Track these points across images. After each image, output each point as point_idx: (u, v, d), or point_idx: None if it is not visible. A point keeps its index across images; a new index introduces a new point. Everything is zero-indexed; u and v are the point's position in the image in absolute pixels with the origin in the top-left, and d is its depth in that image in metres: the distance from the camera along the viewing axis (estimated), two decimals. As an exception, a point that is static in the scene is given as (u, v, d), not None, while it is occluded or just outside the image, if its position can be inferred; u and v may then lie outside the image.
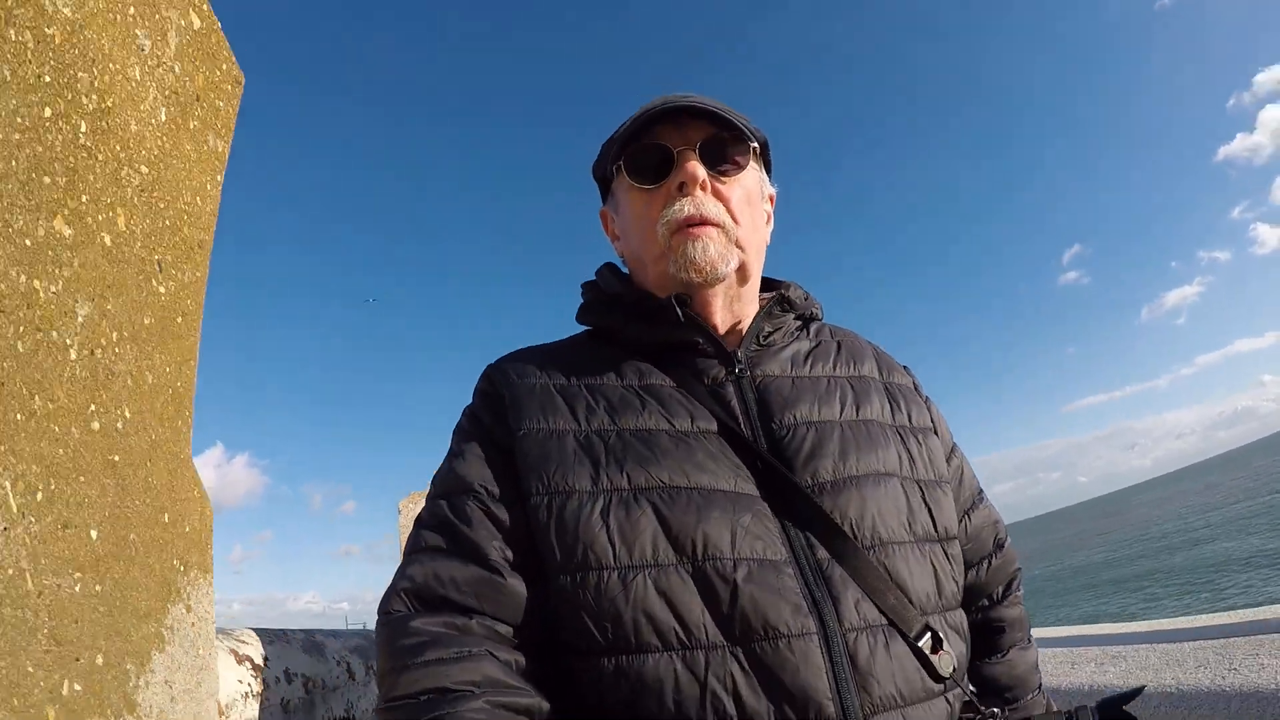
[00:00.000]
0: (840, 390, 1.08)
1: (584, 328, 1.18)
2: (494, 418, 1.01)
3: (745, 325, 1.12)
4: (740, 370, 1.05)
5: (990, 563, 1.17)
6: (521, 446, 0.96)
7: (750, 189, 1.12)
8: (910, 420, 1.12)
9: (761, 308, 1.14)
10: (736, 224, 1.07)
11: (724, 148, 1.09)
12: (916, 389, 1.21)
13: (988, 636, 1.15)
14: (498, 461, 0.97)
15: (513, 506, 0.93)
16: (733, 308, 1.10)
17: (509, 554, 0.91)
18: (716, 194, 1.07)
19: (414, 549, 0.94)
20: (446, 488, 0.97)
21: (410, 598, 0.89)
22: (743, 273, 1.09)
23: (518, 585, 0.89)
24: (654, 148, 1.08)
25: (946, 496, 1.07)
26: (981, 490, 1.22)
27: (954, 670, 0.92)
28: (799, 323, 1.17)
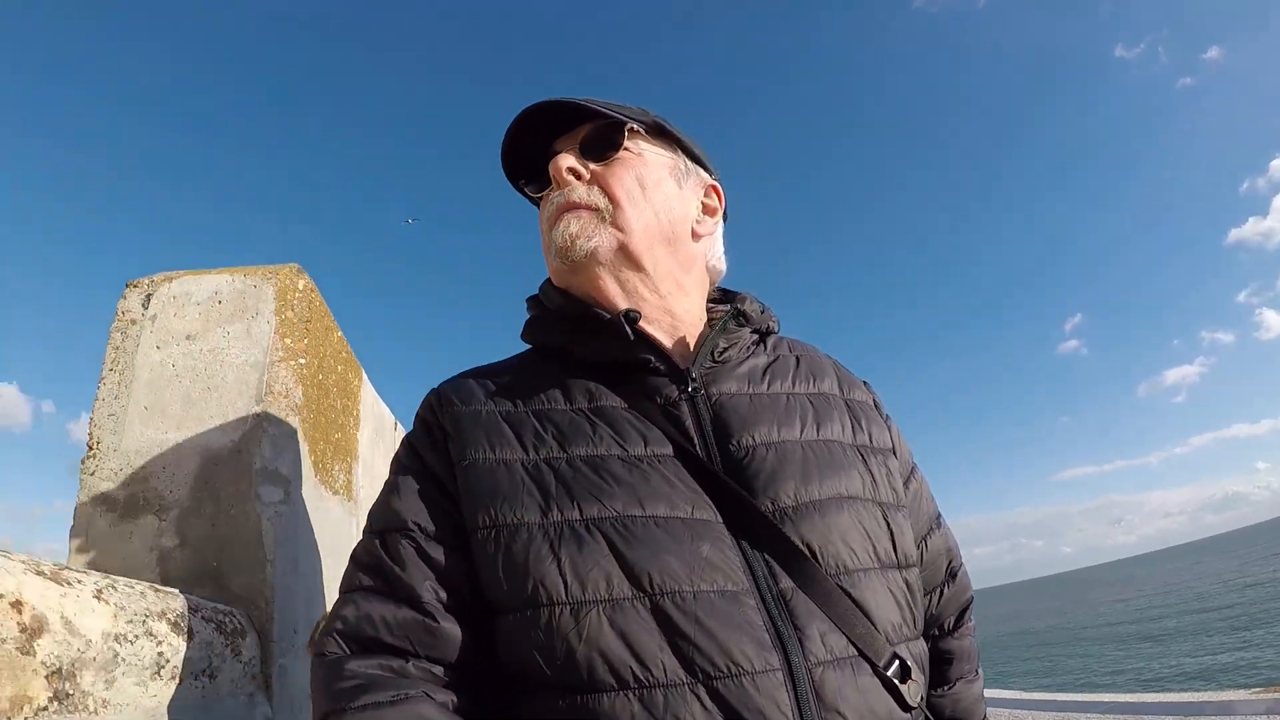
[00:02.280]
0: (800, 408, 1.03)
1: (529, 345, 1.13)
2: (434, 449, 0.97)
3: (692, 340, 1.06)
4: (695, 389, 0.99)
5: (943, 592, 1.15)
6: (465, 479, 0.92)
7: (643, 173, 1.07)
8: (871, 440, 1.07)
9: (715, 322, 1.09)
10: (616, 205, 1.03)
11: (598, 135, 1.07)
12: (877, 406, 1.15)
13: (936, 667, 1.13)
14: (434, 496, 0.93)
15: (449, 544, 0.90)
16: (644, 296, 1.05)
17: (442, 595, 0.88)
18: (596, 179, 1.05)
19: (348, 588, 0.92)
20: (382, 524, 0.94)
21: (344, 639, 0.87)
22: (628, 255, 1.03)
23: (451, 628, 0.86)
24: (535, 154, 1.10)
25: (907, 521, 1.03)
26: (940, 515, 1.18)
27: (921, 699, 0.90)
28: (755, 336, 1.11)
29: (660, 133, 1.12)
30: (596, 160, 1.06)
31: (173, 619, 1.05)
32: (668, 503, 0.88)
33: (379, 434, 1.85)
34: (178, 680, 1.03)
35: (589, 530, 0.85)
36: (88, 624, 0.91)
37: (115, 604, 0.97)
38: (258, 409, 1.30)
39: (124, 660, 0.95)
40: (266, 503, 1.26)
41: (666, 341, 1.05)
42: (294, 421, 1.35)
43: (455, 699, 0.85)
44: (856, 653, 0.85)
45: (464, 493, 0.91)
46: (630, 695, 0.78)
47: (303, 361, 1.38)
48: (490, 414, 0.98)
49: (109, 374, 1.33)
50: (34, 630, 0.83)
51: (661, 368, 0.99)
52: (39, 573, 0.89)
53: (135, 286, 1.40)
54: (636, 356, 0.99)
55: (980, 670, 1.18)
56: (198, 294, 1.39)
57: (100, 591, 0.96)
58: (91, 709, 0.89)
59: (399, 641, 0.85)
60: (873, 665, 0.85)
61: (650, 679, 0.78)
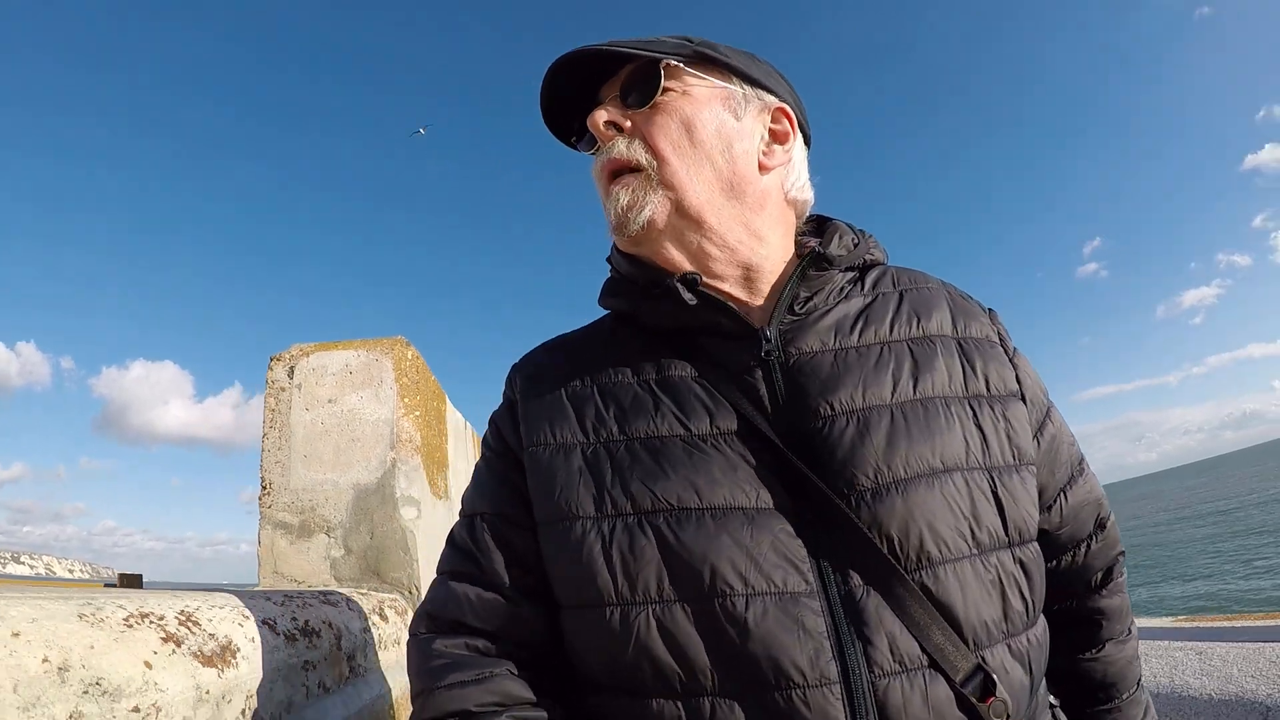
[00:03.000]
0: (896, 360, 0.91)
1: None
2: (510, 429, 0.96)
3: (767, 287, 0.97)
4: (769, 351, 0.90)
5: (1089, 546, 1.03)
6: (531, 464, 0.90)
7: (689, 113, 0.94)
8: (988, 385, 0.93)
9: (793, 267, 0.97)
10: (660, 158, 0.92)
11: (634, 79, 0.96)
12: (1002, 340, 1.00)
13: (1082, 628, 1.05)
14: (513, 480, 0.92)
15: (525, 530, 0.90)
16: (711, 252, 0.95)
17: (523, 579, 0.89)
18: (636, 130, 0.94)
19: (440, 569, 0.95)
20: (469, 508, 0.96)
21: (433, 620, 0.91)
22: (684, 212, 0.92)
23: (531, 611, 0.88)
24: (584, 104, 0.99)
25: (1028, 482, 0.90)
26: (1083, 461, 1.03)
27: (1023, 706, 0.82)
28: (851, 275, 0.99)
29: (707, 61, 0.98)
30: (637, 107, 0.95)
31: (387, 608, 1.59)
32: (728, 489, 0.82)
33: (458, 439, 2.36)
34: (385, 648, 1.57)
35: (642, 526, 0.81)
36: (355, 624, 1.45)
37: (370, 606, 1.50)
38: (392, 454, 1.82)
39: (370, 640, 1.49)
40: (407, 519, 1.79)
41: (744, 297, 0.96)
42: (417, 459, 1.87)
43: (538, 678, 0.87)
44: (929, 663, 0.76)
45: (530, 479, 0.90)
46: (677, 703, 0.76)
47: (417, 414, 1.89)
48: (556, 392, 0.95)
49: (270, 430, 1.81)
50: (323, 629, 1.36)
51: (732, 330, 0.92)
52: (332, 604, 1.42)
53: (279, 360, 1.86)
54: (702, 320, 0.92)
55: (1134, 628, 1.09)
56: (331, 366, 1.86)
57: (350, 600, 1.49)
58: (362, 672, 1.43)
59: (482, 623, 0.88)
60: (948, 678, 0.77)
61: (697, 687, 0.76)
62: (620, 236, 0.95)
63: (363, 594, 1.59)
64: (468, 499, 0.98)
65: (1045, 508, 0.97)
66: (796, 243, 1.03)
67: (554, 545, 0.85)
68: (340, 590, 1.54)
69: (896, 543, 0.80)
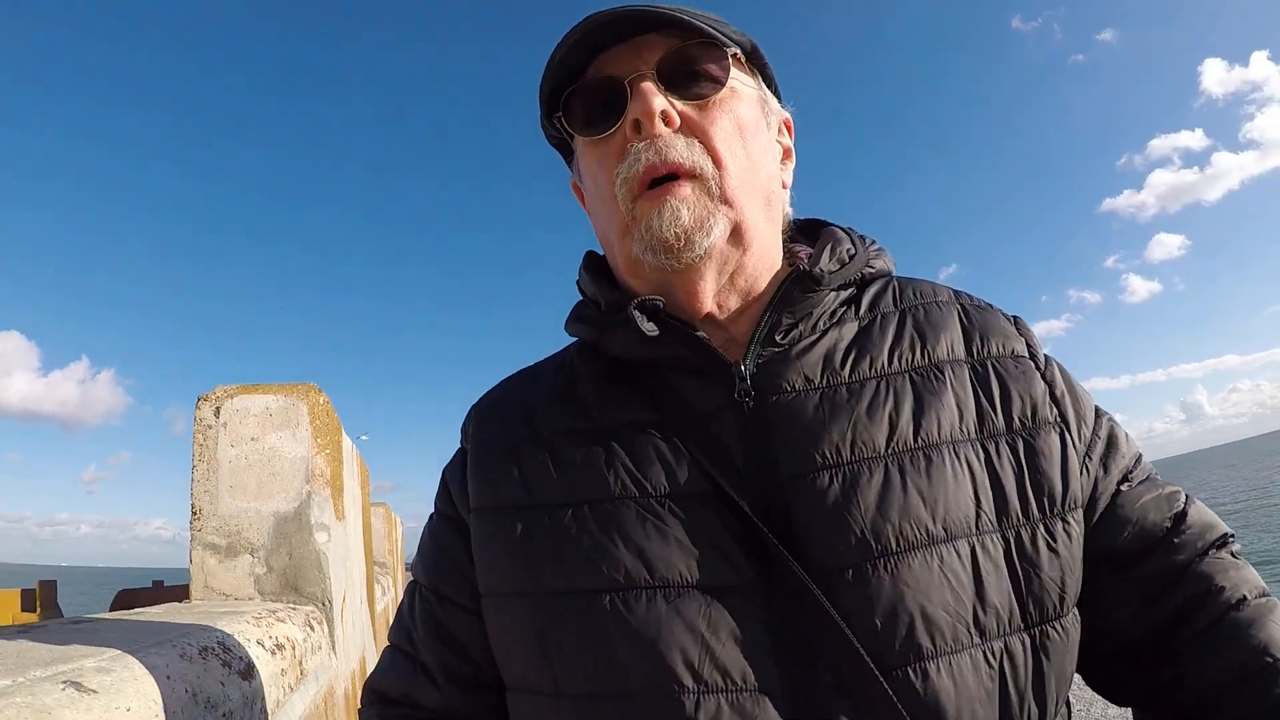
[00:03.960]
0: (894, 397, 0.76)
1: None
2: (458, 488, 0.87)
3: (751, 312, 0.82)
4: (742, 392, 0.77)
5: (1170, 543, 0.76)
6: (475, 528, 0.82)
7: (743, 115, 0.81)
8: (1010, 417, 0.77)
9: (777, 286, 0.82)
10: (721, 167, 0.77)
11: (691, 61, 0.79)
12: (1031, 352, 0.83)
13: (1201, 614, 0.73)
14: (452, 552, 0.85)
15: (461, 610, 0.83)
16: (736, 284, 0.81)
17: (447, 660, 0.83)
18: (690, 128, 0.78)
19: (389, 636, 0.92)
20: (415, 572, 0.91)
21: (370, 693, 0.91)
22: (739, 236, 0.79)
23: (454, 697, 0.83)
24: (598, 83, 0.81)
25: (1062, 536, 0.72)
26: (1140, 457, 0.82)
27: None
28: (848, 291, 0.85)
29: (754, 58, 0.87)
30: (694, 99, 0.79)
31: (311, 620, 1.95)
32: (685, 564, 0.71)
33: (349, 462, 2.65)
34: (316, 652, 1.94)
35: (581, 606, 0.72)
36: (298, 635, 1.81)
37: (301, 621, 1.86)
38: (308, 487, 2.15)
39: (309, 647, 1.86)
40: (320, 542, 2.14)
41: (726, 324, 0.82)
42: (327, 491, 2.20)
43: None
44: None
45: (473, 547, 0.82)
46: None
47: (327, 452, 2.22)
48: (506, 441, 0.85)
49: (199, 463, 2.07)
50: (286, 644, 1.72)
51: (700, 365, 0.80)
52: (283, 621, 1.77)
53: (206, 400, 2.12)
54: (667, 353, 0.80)
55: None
56: (254, 408, 2.14)
57: (292, 614, 1.85)
58: (308, 673, 1.80)
59: (406, 697, 0.86)
60: None
61: None
62: (664, 259, 0.77)
63: (293, 609, 1.93)
64: (415, 562, 0.92)
65: (1102, 522, 0.76)
66: (786, 250, 0.89)
67: (492, 620, 0.79)
68: (280, 605, 1.87)
69: (880, 632, 0.66)
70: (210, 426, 2.09)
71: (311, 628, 1.93)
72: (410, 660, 0.87)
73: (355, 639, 2.54)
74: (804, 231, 0.95)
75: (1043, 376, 0.81)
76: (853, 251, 0.86)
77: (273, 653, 1.55)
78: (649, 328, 0.78)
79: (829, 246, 0.84)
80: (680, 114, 0.79)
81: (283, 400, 2.17)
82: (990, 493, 0.73)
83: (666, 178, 0.77)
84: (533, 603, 0.75)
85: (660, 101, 0.77)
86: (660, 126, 0.77)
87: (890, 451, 0.73)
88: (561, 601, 0.73)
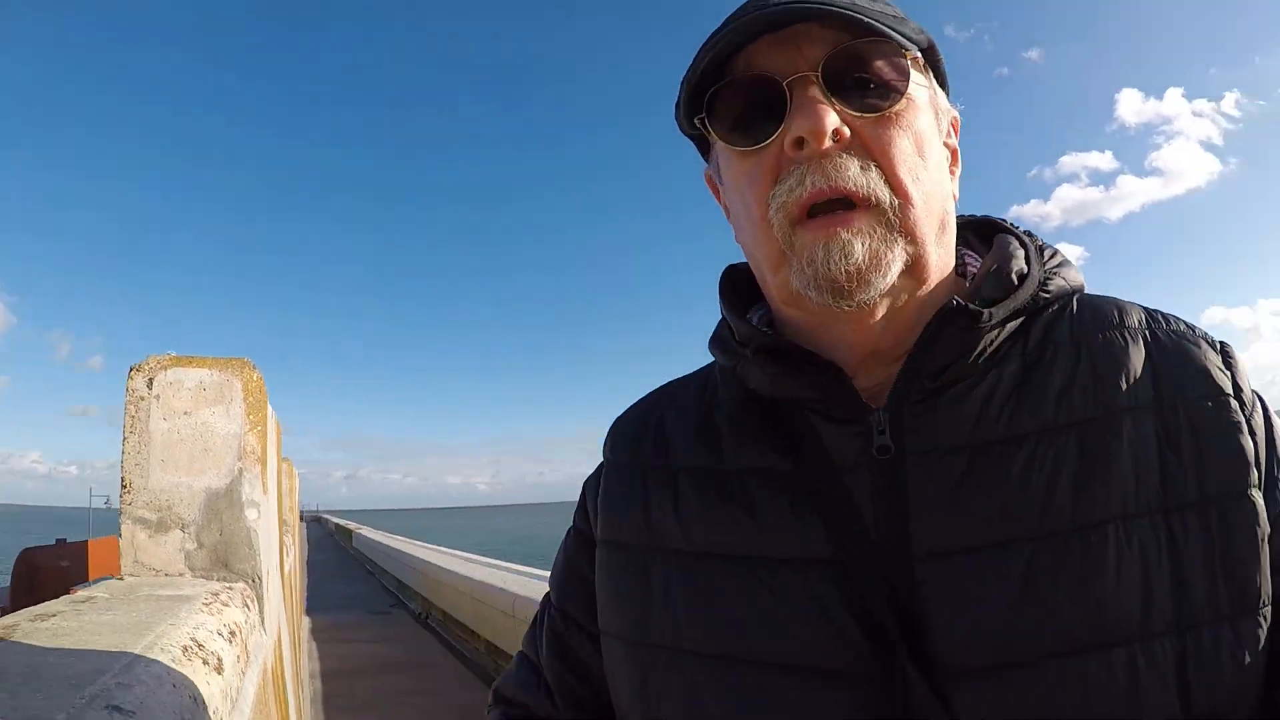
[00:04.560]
0: (1055, 460, 0.62)
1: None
2: (592, 508, 0.84)
3: (901, 346, 0.70)
4: (881, 447, 0.66)
5: None
6: (599, 557, 0.80)
7: (921, 129, 0.69)
8: (1203, 481, 0.61)
9: (930, 322, 0.67)
10: (903, 196, 0.66)
11: (863, 63, 0.66)
12: (1237, 390, 0.65)
13: None
14: (581, 572, 0.83)
15: (581, 633, 0.81)
16: (900, 320, 0.69)
17: (566, 681, 0.82)
18: (862, 145, 0.66)
19: (523, 641, 0.91)
20: (550, 583, 0.89)
21: (495, 691, 0.91)
22: (915, 271, 0.68)
23: (567, 716, 0.82)
24: (750, 82, 0.68)
25: (1249, 642, 0.58)
26: None
27: None
28: (1016, 322, 0.69)
29: (930, 55, 0.73)
30: (861, 109, 0.66)
31: (247, 600, 1.99)
32: (788, 642, 0.64)
33: (272, 433, 2.60)
34: (256, 628, 1.99)
35: (677, 668, 0.68)
36: (241, 618, 1.86)
37: (239, 602, 1.91)
38: (240, 464, 2.15)
39: (250, 626, 1.91)
40: (250, 520, 2.16)
41: (877, 365, 0.71)
42: (257, 469, 2.21)
43: None
44: None
45: (595, 577, 0.80)
46: None
47: (259, 430, 2.22)
48: (635, 471, 0.81)
49: (130, 435, 2.02)
50: (236, 629, 1.77)
51: (840, 412, 0.70)
52: (226, 604, 1.82)
53: (139, 370, 2.07)
54: (800, 394, 0.71)
55: None
56: (187, 382, 2.11)
57: (224, 594, 1.89)
58: (253, 650, 1.85)
59: (522, 708, 0.86)
60: None
61: None
62: (828, 297, 0.66)
63: (229, 588, 1.96)
64: (551, 578, 0.89)
65: None
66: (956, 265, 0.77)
67: (604, 654, 0.77)
68: (219, 585, 1.90)
69: None
70: (143, 399, 2.04)
71: (249, 606, 1.96)
72: (534, 672, 0.86)
73: (275, 609, 2.57)
74: (974, 231, 0.83)
75: (1248, 426, 0.63)
76: (1024, 271, 0.71)
77: (229, 640, 1.59)
78: (773, 370, 0.72)
79: (995, 269, 0.72)
80: (853, 129, 0.66)
81: (217, 375, 2.14)
82: (1167, 583, 0.58)
83: (835, 202, 0.65)
84: (636, 650, 0.72)
85: (831, 118, 0.64)
86: (829, 144, 0.65)
87: (1044, 531, 0.61)
88: (664, 655, 0.70)
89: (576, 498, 0.90)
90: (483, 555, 13.90)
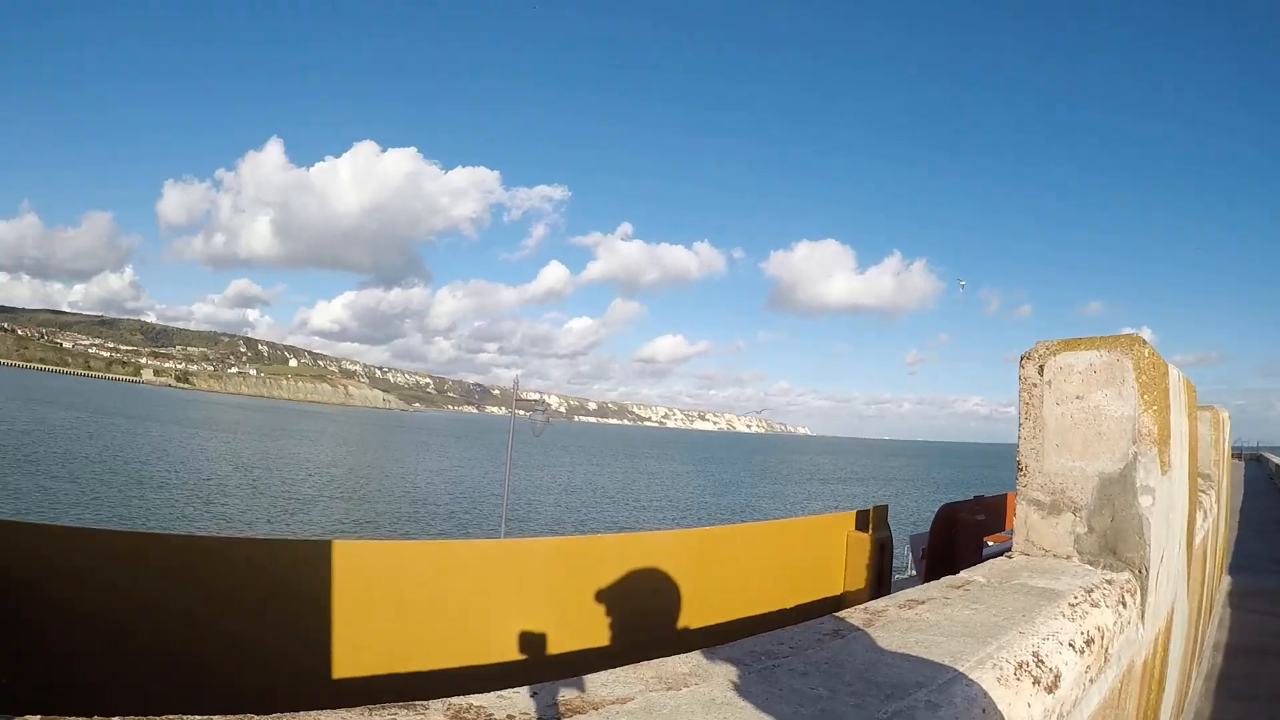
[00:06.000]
0: None
1: None
2: None
3: None
4: None
5: None
6: None
7: None
8: None
9: None
10: None
11: None
12: None
13: None
14: None
15: None
16: None
17: None
18: None
19: None
20: None
21: None
22: None
23: None
24: None
25: None
26: None
27: None
28: None
29: None
30: None
31: (1125, 595, 1.93)
32: None
33: (1175, 400, 2.49)
34: (1129, 627, 1.92)
35: None
36: (1109, 620, 1.80)
37: (1114, 600, 1.85)
38: (1134, 448, 2.08)
39: (1119, 626, 1.84)
40: (1143, 506, 2.08)
41: None
42: (1153, 451, 2.11)
43: None
44: None
45: None
46: None
47: (1154, 409, 2.10)
48: None
49: (1025, 420, 2.19)
50: (1096, 636, 1.70)
51: None
52: (1095, 604, 1.78)
53: (1029, 358, 2.21)
54: None
55: None
56: (1076, 365, 2.14)
57: (1098, 591, 1.84)
58: (1106, 660, 1.78)
59: None
60: None
61: None
62: None
63: (1108, 585, 1.96)
64: None
65: None
66: None
67: None
68: (1097, 579, 1.91)
69: None
70: (1035, 385, 2.17)
71: (1124, 604, 1.93)
72: None
73: (1166, 595, 2.44)
74: None
75: None
76: None
77: (1080, 652, 1.59)
78: None
79: None
80: None
81: (1105, 356, 2.11)
82: None
83: None
84: None
85: None
86: None
87: None
88: None
89: None
90: None
